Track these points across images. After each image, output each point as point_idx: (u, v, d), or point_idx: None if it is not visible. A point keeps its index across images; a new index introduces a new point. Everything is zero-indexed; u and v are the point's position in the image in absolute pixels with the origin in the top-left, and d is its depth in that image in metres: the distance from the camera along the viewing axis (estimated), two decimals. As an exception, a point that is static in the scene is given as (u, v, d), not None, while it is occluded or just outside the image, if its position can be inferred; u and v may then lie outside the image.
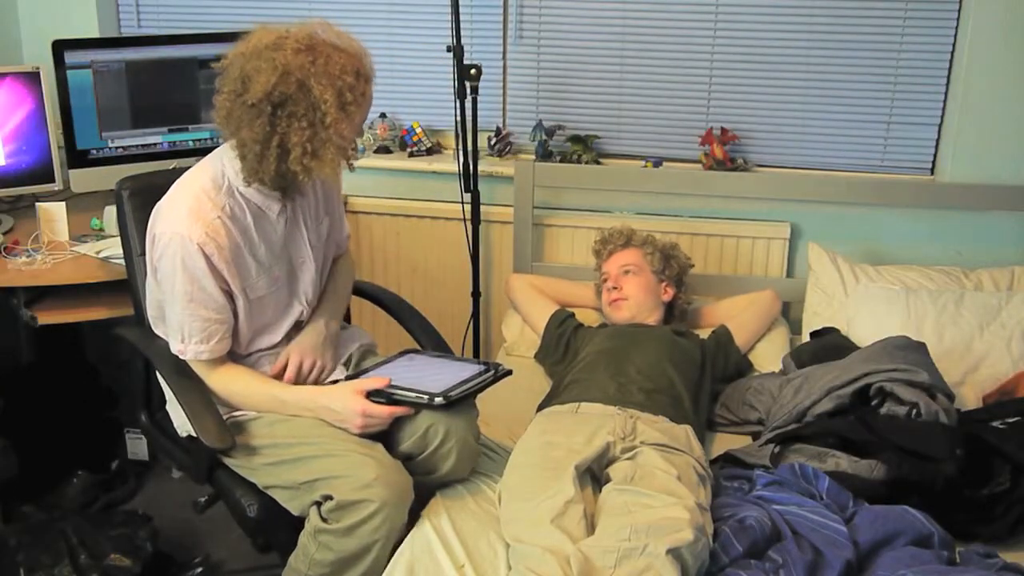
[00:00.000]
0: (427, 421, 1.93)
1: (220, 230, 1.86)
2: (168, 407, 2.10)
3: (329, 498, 1.82)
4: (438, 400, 1.88)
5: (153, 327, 2.05)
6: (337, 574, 1.86)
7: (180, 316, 1.89)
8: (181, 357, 1.94)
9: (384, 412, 1.89)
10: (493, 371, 2.00)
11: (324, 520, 1.84)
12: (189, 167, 1.98)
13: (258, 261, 1.95)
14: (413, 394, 1.89)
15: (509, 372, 2.02)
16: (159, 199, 2.09)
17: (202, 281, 1.86)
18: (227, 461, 1.97)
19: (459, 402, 1.91)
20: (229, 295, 1.92)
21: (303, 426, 1.93)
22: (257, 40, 1.81)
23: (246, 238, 1.92)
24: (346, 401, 1.88)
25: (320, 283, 2.14)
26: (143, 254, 2.07)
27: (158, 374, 2.06)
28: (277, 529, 1.99)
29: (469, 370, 2.01)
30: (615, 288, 2.57)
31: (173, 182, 2.08)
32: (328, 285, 2.19)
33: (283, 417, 1.95)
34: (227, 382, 1.96)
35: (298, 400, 1.94)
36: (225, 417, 1.97)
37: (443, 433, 1.93)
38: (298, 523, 1.93)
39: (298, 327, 2.09)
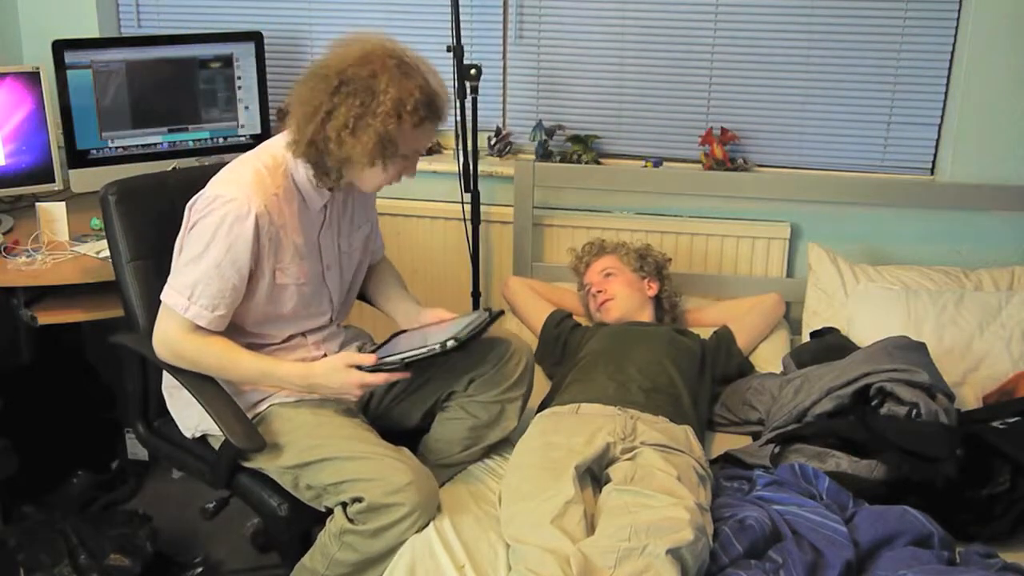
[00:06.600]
0: (489, 347, 2.08)
1: (275, 206, 1.87)
2: (171, 411, 2.07)
3: (358, 500, 1.82)
4: (451, 343, 1.84)
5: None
6: (356, 575, 1.86)
7: (198, 276, 1.84)
8: (177, 311, 1.86)
9: (380, 380, 1.87)
10: (488, 312, 2.02)
11: (351, 521, 1.83)
12: (189, 167, 1.97)
13: (295, 248, 1.94)
14: (425, 350, 1.86)
15: (501, 312, 2.08)
16: (147, 202, 2.03)
17: (239, 251, 1.83)
18: (247, 463, 1.95)
19: (468, 342, 1.91)
20: (251, 276, 1.89)
21: (324, 427, 1.93)
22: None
23: (291, 222, 1.92)
24: (340, 375, 1.86)
25: (345, 290, 2.12)
26: (132, 260, 2.02)
27: (165, 376, 2.03)
28: (290, 528, 1.98)
29: (463, 320, 2.00)
30: (600, 291, 2.60)
31: (162, 184, 2.04)
32: (386, 278, 2.27)
33: (302, 420, 1.94)
34: (208, 345, 1.89)
35: (288, 374, 1.91)
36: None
37: (511, 348, 2.10)
38: (305, 523, 1.93)
39: (318, 336, 2.05)
